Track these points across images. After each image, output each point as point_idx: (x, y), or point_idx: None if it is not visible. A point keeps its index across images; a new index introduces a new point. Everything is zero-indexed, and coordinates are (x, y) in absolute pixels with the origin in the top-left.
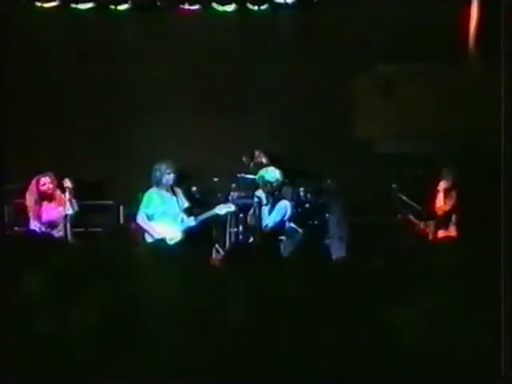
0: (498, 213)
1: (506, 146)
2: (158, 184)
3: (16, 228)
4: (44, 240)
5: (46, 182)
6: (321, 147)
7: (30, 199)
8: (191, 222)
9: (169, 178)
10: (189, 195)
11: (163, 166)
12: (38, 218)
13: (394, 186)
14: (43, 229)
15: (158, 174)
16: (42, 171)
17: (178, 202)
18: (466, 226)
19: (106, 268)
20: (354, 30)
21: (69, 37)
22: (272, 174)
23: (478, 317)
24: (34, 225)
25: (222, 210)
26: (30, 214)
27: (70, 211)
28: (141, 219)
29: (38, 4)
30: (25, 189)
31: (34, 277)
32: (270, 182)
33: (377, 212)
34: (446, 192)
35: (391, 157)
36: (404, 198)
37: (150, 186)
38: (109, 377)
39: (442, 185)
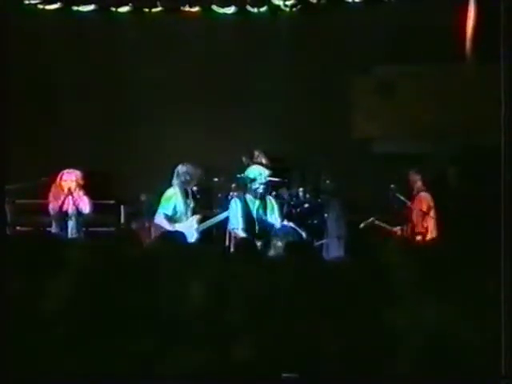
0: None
1: (505, 146)
2: (182, 186)
3: (18, 227)
4: (49, 238)
5: (67, 178)
6: (320, 147)
7: (53, 189)
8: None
9: (193, 182)
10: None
11: (191, 171)
12: (53, 210)
13: (392, 186)
14: (56, 223)
15: (186, 177)
16: (42, 170)
17: (189, 203)
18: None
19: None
20: (353, 32)
21: (70, 39)
22: (255, 171)
23: (478, 318)
24: (52, 212)
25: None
26: (50, 206)
27: (73, 211)
28: (160, 219)
29: (40, 6)
30: (30, 188)
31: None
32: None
33: (375, 212)
34: (417, 195)
35: (390, 157)
36: (402, 198)
37: (148, 184)
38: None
39: (414, 187)
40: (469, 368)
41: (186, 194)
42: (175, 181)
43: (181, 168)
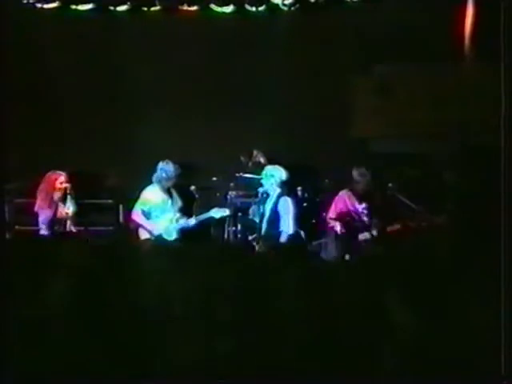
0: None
1: (505, 146)
2: (160, 183)
3: (17, 227)
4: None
5: (62, 181)
6: (319, 146)
7: (45, 193)
8: (191, 221)
9: (172, 179)
10: (187, 194)
11: (170, 168)
12: (48, 212)
13: (389, 185)
14: (48, 225)
15: (163, 174)
16: (40, 170)
17: (173, 201)
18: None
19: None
20: (352, 31)
21: (69, 38)
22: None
23: (478, 317)
24: (43, 216)
25: (217, 213)
26: (41, 209)
27: (70, 210)
28: (136, 215)
29: (38, 5)
30: (26, 187)
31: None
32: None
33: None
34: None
35: (388, 156)
36: (400, 197)
37: (149, 183)
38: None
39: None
40: (469, 368)
41: (165, 192)
42: (154, 178)
43: (160, 164)
